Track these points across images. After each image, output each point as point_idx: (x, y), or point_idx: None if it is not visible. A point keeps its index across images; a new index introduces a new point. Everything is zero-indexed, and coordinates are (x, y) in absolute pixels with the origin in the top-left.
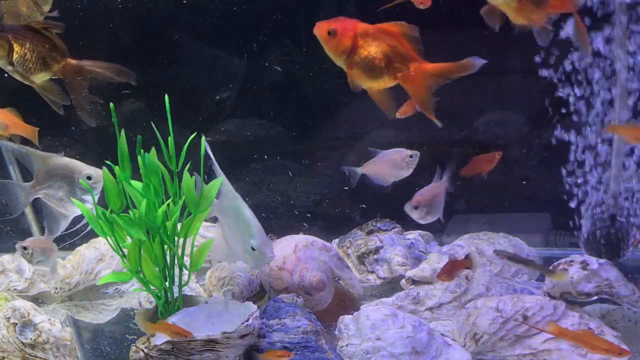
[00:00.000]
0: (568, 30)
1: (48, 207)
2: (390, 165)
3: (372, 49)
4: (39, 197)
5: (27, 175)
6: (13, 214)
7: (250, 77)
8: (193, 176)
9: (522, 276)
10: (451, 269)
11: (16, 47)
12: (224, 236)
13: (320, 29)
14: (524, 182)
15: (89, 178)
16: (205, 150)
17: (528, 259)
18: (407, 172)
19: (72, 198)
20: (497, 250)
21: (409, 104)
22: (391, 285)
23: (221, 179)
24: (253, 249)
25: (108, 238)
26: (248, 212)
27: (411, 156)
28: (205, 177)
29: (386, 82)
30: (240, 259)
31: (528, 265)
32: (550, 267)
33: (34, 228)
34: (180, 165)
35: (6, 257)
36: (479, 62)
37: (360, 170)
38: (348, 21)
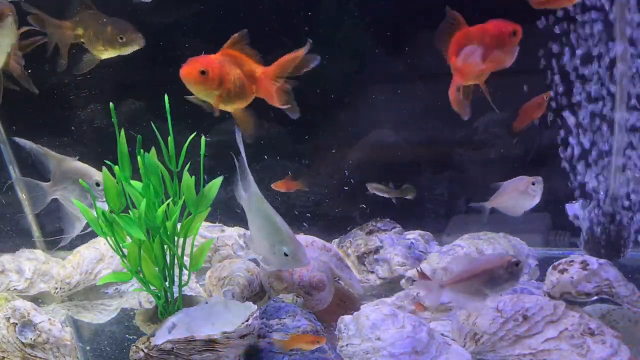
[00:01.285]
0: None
1: (64, 208)
2: (516, 195)
3: (234, 74)
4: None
5: (26, 176)
6: (33, 212)
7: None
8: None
9: (522, 276)
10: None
11: None
12: (250, 228)
13: (191, 74)
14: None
15: (97, 184)
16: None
17: (385, 186)
18: (535, 200)
19: (73, 199)
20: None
21: (285, 182)
22: (391, 285)
23: (221, 179)
24: (286, 254)
25: (108, 238)
26: (278, 219)
27: (534, 183)
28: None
29: (248, 99)
30: (263, 256)
31: (385, 190)
32: (550, 268)
33: (34, 228)
34: (180, 165)
35: (6, 257)
36: (311, 58)
37: (488, 204)
38: (204, 58)
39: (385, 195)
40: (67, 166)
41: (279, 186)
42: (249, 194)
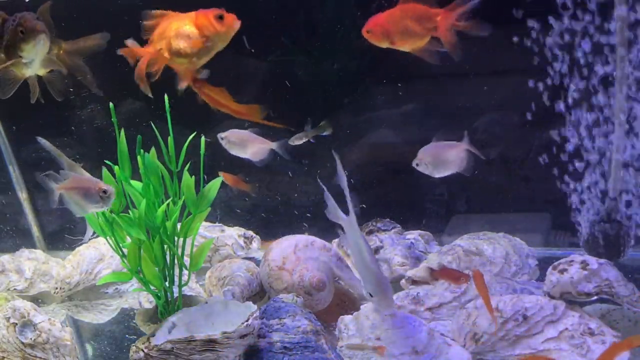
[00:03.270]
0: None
1: None
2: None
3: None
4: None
5: (28, 176)
6: (51, 206)
7: (250, 76)
8: None
9: (522, 276)
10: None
11: None
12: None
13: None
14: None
15: None
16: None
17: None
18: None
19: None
20: None
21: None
22: (391, 285)
23: (221, 179)
24: (370, 295)
25: (108, 238)
26: (369, 257)
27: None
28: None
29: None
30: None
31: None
32: (550, 268)
33: (34, 228)
34: (180, 165)
35: (6, 257)
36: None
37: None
38: None
39: (305, 140)
40: (74, 171)
41: (227, 177)
42: (349, 218)
